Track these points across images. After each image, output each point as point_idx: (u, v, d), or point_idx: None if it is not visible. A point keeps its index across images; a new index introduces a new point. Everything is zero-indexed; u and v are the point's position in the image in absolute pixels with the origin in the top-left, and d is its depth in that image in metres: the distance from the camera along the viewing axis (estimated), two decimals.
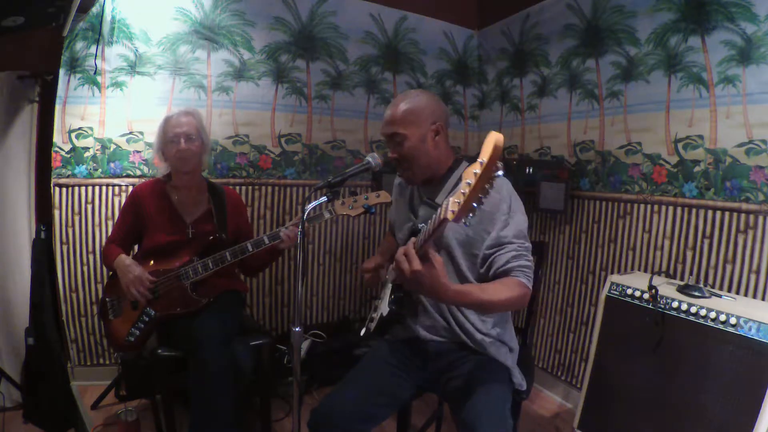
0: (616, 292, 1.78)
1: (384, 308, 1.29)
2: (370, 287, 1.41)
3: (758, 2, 1.60)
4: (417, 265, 0.95)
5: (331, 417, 1.19)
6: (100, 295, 2.02)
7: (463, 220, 0.83)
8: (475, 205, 0.81)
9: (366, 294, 2.81)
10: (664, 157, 1.93)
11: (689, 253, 1.85)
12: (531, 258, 1.19)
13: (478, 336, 1.26)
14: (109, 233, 2.20)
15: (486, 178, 0.77)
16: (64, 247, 2.20)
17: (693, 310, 1.52)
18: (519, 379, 1.29)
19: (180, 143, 1.73)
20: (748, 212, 1.67)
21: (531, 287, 1.16)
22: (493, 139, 0.76)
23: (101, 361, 2.30)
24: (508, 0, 2.69)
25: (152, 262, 1.72)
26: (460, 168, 1.32)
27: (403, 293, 1.29)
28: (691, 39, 1.81)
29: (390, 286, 1.31)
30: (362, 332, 1.39)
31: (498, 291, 1.12)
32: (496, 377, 1.22)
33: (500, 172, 0.78)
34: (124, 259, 1.69)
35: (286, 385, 2.25)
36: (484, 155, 0.76)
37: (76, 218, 2.21)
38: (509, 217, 1.20)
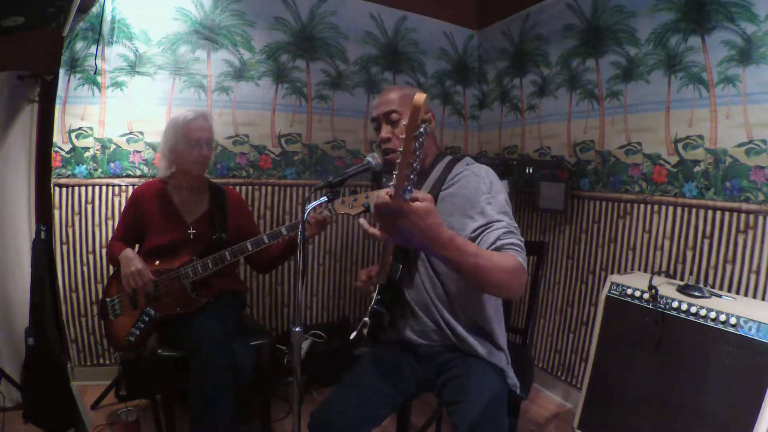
0: (616, 292, 1.78)
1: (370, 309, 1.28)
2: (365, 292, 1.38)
3: (758, 2, 1.60)
4: (402, 199, 0.82)
5: (330, 419, 1.18)
6: (100, 295, 2.02)
7: (403, 192, 0.81)
8: (410, 174, 0.80)
9: (365, 295, 2.81)
10: (664, 157, 1.93)
11: (689, 253, 1.85)
12: (522, 238, 1.11)
13: (470, 339, 1.25)
14: (109, 233, 2.22)
15: (410, 138, 0.77)
16: (64, 247, 2.20)
17: (693, 310, 1.52)
18: (513, 380, 1.28)
19: (202, 149, 1.74)
20: (748, 212, 1.67)
21: (526, 268, 1.07)
22: (414, 100, 0.75)
23: (101, 361, 2.30)
24: (508, 0, 2.69)
25: (153, 261, 1.72)
26: (442, 163, 1.32)
27: (391, 295, 1.28)
28: (691, 39, 1.81)
29: (377, 287, 1.30)
30: (352, 336, 1.37)
31: (494, 256, 1.02)
32: (489, 379, 1.20)
33: (422, 129, 0.76)
34: (129, 253, 1.70)
35: (286, 385, 2.25)
36: (408, 118, 0.76)
37: (76, 218, 2.21)
38: (491, 196, 1.17)
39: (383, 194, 0.85)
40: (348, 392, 1.25)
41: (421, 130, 0.76)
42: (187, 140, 1.73)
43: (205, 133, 1.76)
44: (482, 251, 1.02)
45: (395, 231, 0.87)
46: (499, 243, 1.08)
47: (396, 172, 0.80)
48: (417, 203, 0.84)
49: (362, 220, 0.93)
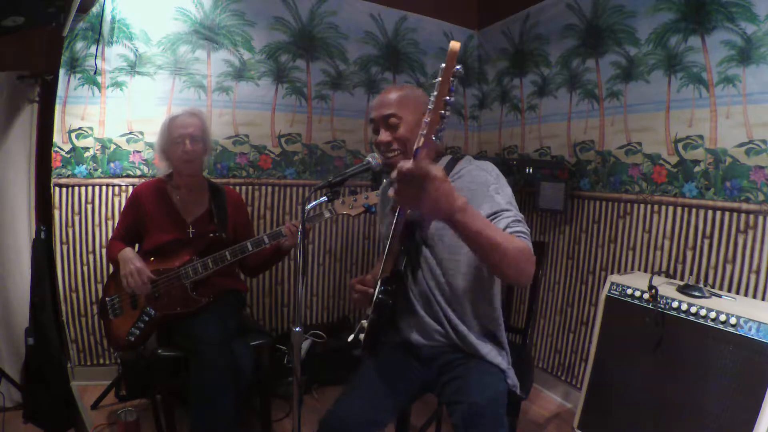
0: (616, 292, 1.78)
1: (371, 301, 1.26)
2: (357, 305, 1.38)
3: (758, 2, 1.60)
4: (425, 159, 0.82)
5: (339, 427, 1.17)
6: (100, 295, 2.02)
7: (435, 137, 0.82)
8: (442, 123, 0.81)
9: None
10: (664, 157, 1.93)
11: (689, 253, 1.85)
12: (529, 228, 1.13)
13: (472, 337, 1.25)
14: (109, 233, 2.22)
15: (448, 75, 0.78)
16: (64, 247, 2.20)
17: (693, 310, 1.52)
18: (514, 380, 1.28)
19: (185, 144, 1.73)
20: (748, 212, 1.67)
21: (533, 255, 1.07)
22: (450, 47, 0.78)
23: (101, 361, 2.30)
24: (508, 0, 2.69)
25: (153, 261, 1.72)
26: (442, 161, 1.31)
27: (395, 285, 1.27)
28: (691, 39, 1.81)
29: (379, 281, 1.30)
30: (350, 338, 1.36)
31: (506, 234, 1.03)
32: (490, 379, 1.20)
33: (459, 67, 0.78)
34: (128, 252, 1.69)
35: (286, 385, 2.25)
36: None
37: (76, 218, 2.21)
38: (499, 187, 1.18)
39: (405, 164, 0.83)
40: (355, 398, 1.24)
41: (458, 67, 0.77)
42: (172, 138, 1.74)
43: (187, 129, 1.74)
44: (491, 225, 1.01)
45: (419, 198, 0.84)
46: (509, 231, 1.08)
47: (427, 119, 0.80)
48: (433, 165, 0.83)
49: (392, 190, 0.91)
